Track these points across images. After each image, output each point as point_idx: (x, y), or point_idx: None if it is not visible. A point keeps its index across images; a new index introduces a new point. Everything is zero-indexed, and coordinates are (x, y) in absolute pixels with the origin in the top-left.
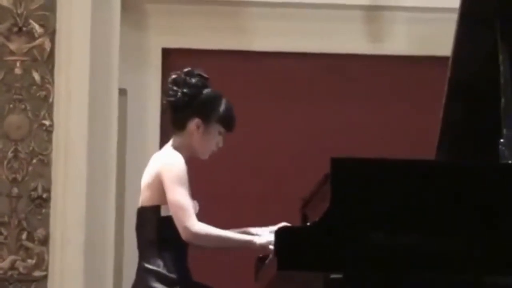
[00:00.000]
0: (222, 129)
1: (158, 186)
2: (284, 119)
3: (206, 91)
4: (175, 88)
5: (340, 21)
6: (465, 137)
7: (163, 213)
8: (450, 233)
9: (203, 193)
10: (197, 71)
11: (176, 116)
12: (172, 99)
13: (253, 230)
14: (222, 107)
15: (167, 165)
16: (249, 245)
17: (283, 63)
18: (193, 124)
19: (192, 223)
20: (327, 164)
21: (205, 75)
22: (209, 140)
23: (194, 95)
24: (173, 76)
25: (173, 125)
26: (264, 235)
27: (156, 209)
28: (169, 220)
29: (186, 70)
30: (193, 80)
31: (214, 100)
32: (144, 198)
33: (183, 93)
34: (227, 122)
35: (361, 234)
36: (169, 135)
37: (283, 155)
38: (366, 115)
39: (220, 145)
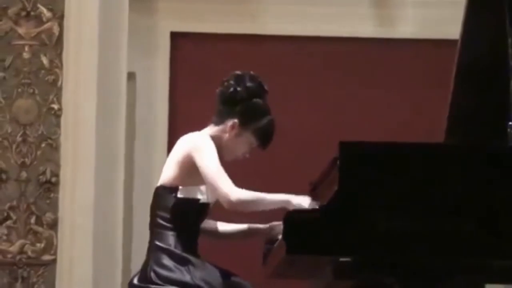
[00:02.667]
0: (254, 142)
1: (187, 166)
2: (293, 103)
3: (257, 100)
4: (232, 82)
5: (350, 4)
6: (473, 120)
7: (180, 194)
8: (460, 217)
9: None
10: (260, 80)
11: (220, 108)
12: (223, 90)
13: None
14: (264, 122)
15: (198, 143)
16: (286, 204)
17: (292, 47)
18: (231, 122)
19: (232, 190)
20: (335, 148)
21: (266, 88)
22: (238, 145)
23: (245, 97)
24: (237, 72)
25: (214, 116)
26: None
27: (174, 190)
28: (185, 202)
29: (252, 73)
30: (252, 84)
31: (259, 111)
32: (166, 176)
33: (235, 90)
34: (262, 138)
35: (369, 218)
36: (178, 119)
37: (293, 139)
38: (375, 99)
39: (246, 155)
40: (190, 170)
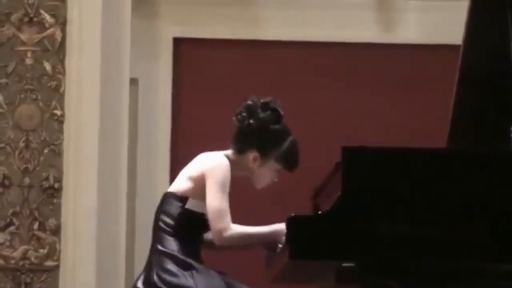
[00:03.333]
0: (280, 168)
1: (200, 183)
2: (296, 109)
3: (273, 127)
4: (244, 114)
5: (352, 9)
6: (476, 125)
7: (188, 205)
8: (463, 221)
9: None
10: (273, 104)
11: (238, 140)
12: (238, 123)
13: None
14: (284, 146)
15: (214, 168)
16: (279, 232)
17: (294, 52)
18: (251, 156)
19: (226, 228)
20: (338, 153)
21: (280, 111)
22: (264, 174)
23: (260, 129)
24: (249, 102)
25: (233, 145)
26: None
27: (184, 199)
28: (191, 214)
29: (264, 100)
30: (264, 114)
31: (278, 138)
32: (178, 186)
33: (249, 123)
34: (287, 162)
35: (372, 223)
36: (180, 124)
37: None
38: (378, 104)
39: (275, 180)
40: (201, 188)
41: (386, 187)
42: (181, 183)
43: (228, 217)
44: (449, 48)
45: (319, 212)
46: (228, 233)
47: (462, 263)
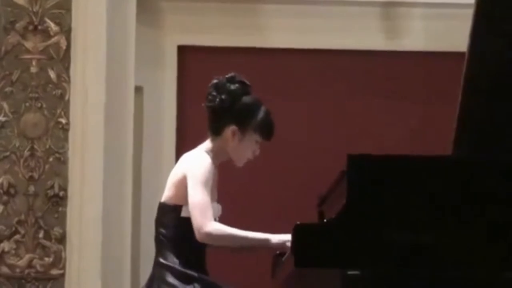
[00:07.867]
0: (259, 138)
1: (183, 186)
2: (301, 116)
3: (245, 98)
4: (214, 93)
5: (357, 17)
6: (482, 133)
7: (184, 213)
8: (468, 230)
9: (219, 193)
10: (239, 78)
11: (213, 121)
12: (210, 104)
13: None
14: (260, 116)
15: (193, 166)
16: (265, 243)
17: (299, 60)
18: (229, 131)
19: (206, 223)
20: (343, 161)
21: (247, 82)
22: (245, 148)
23: (233, 102)
24: (215, 81)
25: (210, 129)
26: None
27: (177, 208)
28: (188, 221)
29: (228, 75)
30: (233, 87)
31: (252, 108)
32: (167, 195)
33: (221, 99)
34: (265, 131)
35: (377, 231)
36: (185, 132)
37: (300, 152)
38: (383, 112)
39: (257, 153)
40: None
41: (391, 195)
42: (170, 191)
43: (209, 212)
44: (454, 56)
45: (324, 220)
46: (208, 228)
47: (469, 273)
